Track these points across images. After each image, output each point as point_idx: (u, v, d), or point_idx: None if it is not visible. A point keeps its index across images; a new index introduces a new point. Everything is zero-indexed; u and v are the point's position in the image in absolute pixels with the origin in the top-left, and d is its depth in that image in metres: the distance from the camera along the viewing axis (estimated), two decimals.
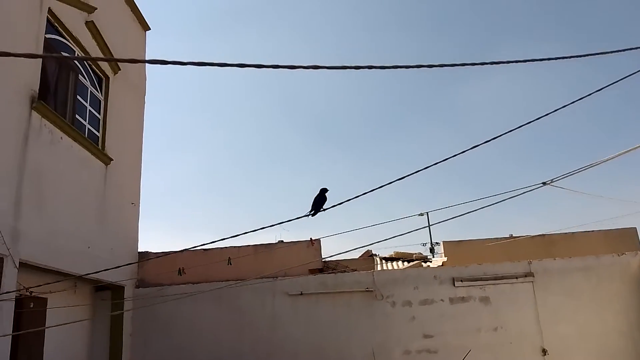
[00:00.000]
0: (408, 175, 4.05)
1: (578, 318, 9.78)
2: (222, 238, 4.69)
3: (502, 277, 10.02)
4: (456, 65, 3.24)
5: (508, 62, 3.75)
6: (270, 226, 4.92)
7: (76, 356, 9.11)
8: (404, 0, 39.18)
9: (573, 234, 11.21)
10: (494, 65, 3.52)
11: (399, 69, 2.75)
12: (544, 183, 4.25)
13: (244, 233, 4.81)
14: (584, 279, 10.01)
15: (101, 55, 9.44)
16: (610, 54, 3.89)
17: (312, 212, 6.12)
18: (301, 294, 10.07)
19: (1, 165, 6.50)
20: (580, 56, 4.13)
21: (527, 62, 3.82)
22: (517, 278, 10.02)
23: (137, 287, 10.31)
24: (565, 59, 3.87)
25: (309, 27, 43.40)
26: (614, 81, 3.99)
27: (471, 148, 3.88)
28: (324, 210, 6.08)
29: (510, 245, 10.78)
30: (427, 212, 21.09)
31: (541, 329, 9.76)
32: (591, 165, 4.15)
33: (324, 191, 6.32)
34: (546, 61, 3.58)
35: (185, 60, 2.41)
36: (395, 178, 4.28)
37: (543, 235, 11.28)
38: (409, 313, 9.91)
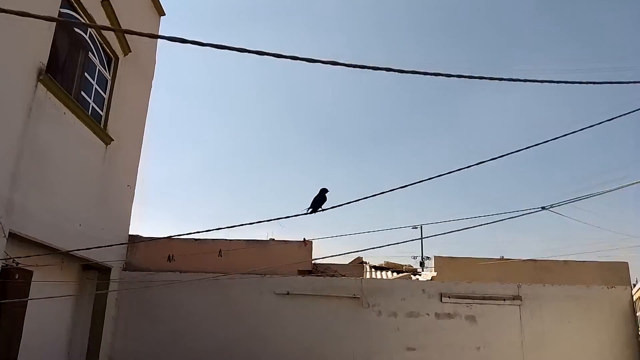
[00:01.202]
0: (407, 185, 4.03)
1: (562, 345, 9.74)
2: (217, 228, 4.67)
3: (490, 297, 9.99)
4: (462, 77, 3.22)
5: (511, 79, 3.72)
6: (267, 221, 4.90)
7: (57, 334, 9.05)
8: (421, 5, 39.26)
9: (565, 261, 11.18)
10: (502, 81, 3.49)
11: (407, 74, 2.73)
12: (544, 208, 4.23)
13: (238, 225, 4.79)
14: (572, 307, 9.97)
15: (113, 35, 9.42)
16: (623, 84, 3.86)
17: (309, 210, 6.09)
18: (287, 293, 10.03)
19: (2, 135, 6.46)
20: (592, 83, 4.12)
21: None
22: (504, 300, 9.99)
23: (125, 269, 10.26)
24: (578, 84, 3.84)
25: (323, 27, 43.47)
26: (628, 112, 3.97)
27: (477, 164, 3.86)
28: (323, 210, 6.06)
29: (501, 267, 10.75)
30: (421, 225, 21.08)
31: (524, 353, 9.72)
32: (592, 195, 4.14)
33: (324, 191, 6.30)
34: (558, 76, 3.56)
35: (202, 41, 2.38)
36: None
37: (535, 260, 11.25)
38: (394, 324, 9.87)
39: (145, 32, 10.97)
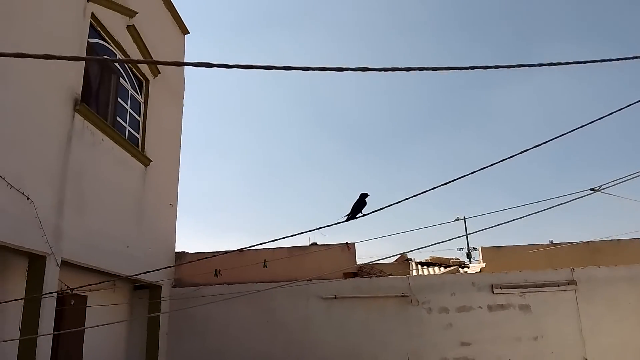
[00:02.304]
0: (448, 182, 3.94)
1: (621, 329, 9.39)
2: (260, 243, 4.67)
3: (543, 285, 9.70)
4: (484, 68, 3.09)
5: (540, 64, 3.56)
6: (309, 231, 4.89)
7: (114, 353, 9.28)
8: (439, 2, 38.69)
9: (618, 241, 10.80)
10: (530, 68, 3.35)
11: (430, 71, 2.66)
12: (593, 189, 4.06)
13: (281, 238, 4.79)
14: (629, 288, 9.61)
15: (141, 59, 9.60)
16: None
17: (348, 217, 6.03)
18: (335, 297, 9.99)
19: (45, 165, 6.67)
20: (622, 59, 3.93)
21: (564, 65, 3.63)
22: (559, 286, 9.69)
23: (174, 286, 10.43)
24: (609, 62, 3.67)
25: (343, 30, 43.35)
26: None
27: (515, 155, 3.74)
28: (364, 215, 5.98)
29: (551, 252, 10.45)
30: (465, 217, 20.75)
31: (584, 339, 9.40)
32: None
33: (363, 196, 6.21)
34: (585, 63, 3.40)
35: (216, 67, 2.37)
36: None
37: (587, 242, 10.89)
38: (446, 320, 9.71)
39: (170, 51, 11.14)
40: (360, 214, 6.03)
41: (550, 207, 4.25)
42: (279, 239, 4.61)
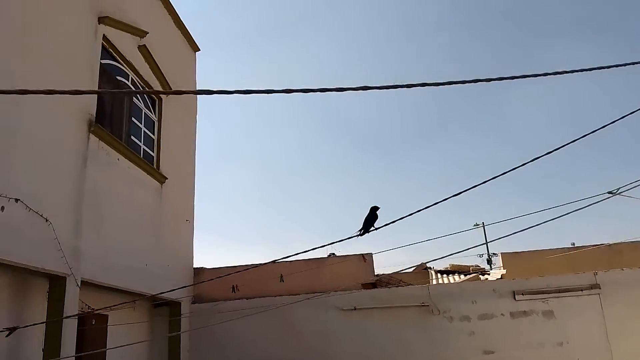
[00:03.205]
0: (465, 191, 3.90)
1: None
2: (274, 260, 4.68)
3: (566, 290, 9.53)
4: (487, 81, 3.05)
5: (545, 74, 3.50)
6: (322, 246, 4.92)
7: None
8: (446, 6, 38.70)
9: None
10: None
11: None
12: (611, 192, 3.99)
13: (295, 254, 4.82)
14: None
15: (154, 77, 9.69)
16: None
17: (361, 232, 6.05)
18: (354, 309, 9.91)
19: (62, 186, 6.74)
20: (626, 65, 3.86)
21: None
22: (582, 290, 9.51)
23: (194, 302, 10.45)
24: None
25: (352, 38, 43.50)
26: None
27: (530, 161, 3.69)
28: (376, 229, 5.99)
29: (573, 256, 10.27)
30: (483, 223, 20.54)
31: (610, 344, 9.20)
32: None
33: (374, 209, 6.23)
34: (600, 62, 3.35)
35: (231, 89, 2.38)
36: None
37: (609, 244, 10.69)
38: (468, 328, 9.57)
39: (182, 69, 11.25)
40: (373, 228, 6.05)
41: (569, 213, 4.17)
42: (292, 255, 4.61)
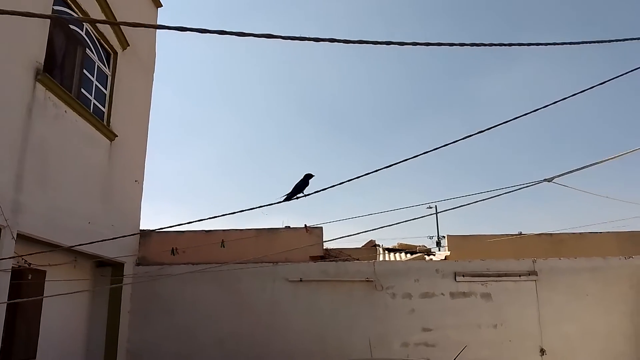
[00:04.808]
0: (405, 160, 3.91)
1: (582, 319, 9.62)
2: (209, 217, 4.60)
3: (505, 274, 9.86)
4: (466, 45, 3.07)
5: (529, 44, 3.56)
6: (249, 209, 4.83)
7: (74, 331, 9.15)
8: None
9: (582, 233, 11.01)
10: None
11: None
12: (546, 179, 4.09)
13: (220, 215, 4.75)
14: (590, 279, 9.83)
15: (110, 30, 9.34)
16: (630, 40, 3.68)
17: (287, 197, 6.07)
18: (301, 280, 9.99)
19: (4, 137, 6.46)
20: (599, 42, 3.94)
21: (547, 46, 3.63)
22: (520, 276, 9.86)
23: (138, 264, 10.30)
24: (582, 44, 3.67)
25: (326, 16, 43.00)
26: (630, 70, 3.79)
27: (476, 133, 3.73)
28: (305, 195, 6.01)
29: (517, 243, 10.60)
30: (436, 205, 20.94)
31: (542, 328, 9.61)
32: (594, 164, 3.98)
33: (308, 176, 6.25)
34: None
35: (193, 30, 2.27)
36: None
37: (551, 234, 11.09)
38: (409, 305, 9.81)
39: (141, 23, 10.81)
40: (301, 194, 6.06)
41: (504, 193, 4.29)
42: (218, 217, 4.55)
